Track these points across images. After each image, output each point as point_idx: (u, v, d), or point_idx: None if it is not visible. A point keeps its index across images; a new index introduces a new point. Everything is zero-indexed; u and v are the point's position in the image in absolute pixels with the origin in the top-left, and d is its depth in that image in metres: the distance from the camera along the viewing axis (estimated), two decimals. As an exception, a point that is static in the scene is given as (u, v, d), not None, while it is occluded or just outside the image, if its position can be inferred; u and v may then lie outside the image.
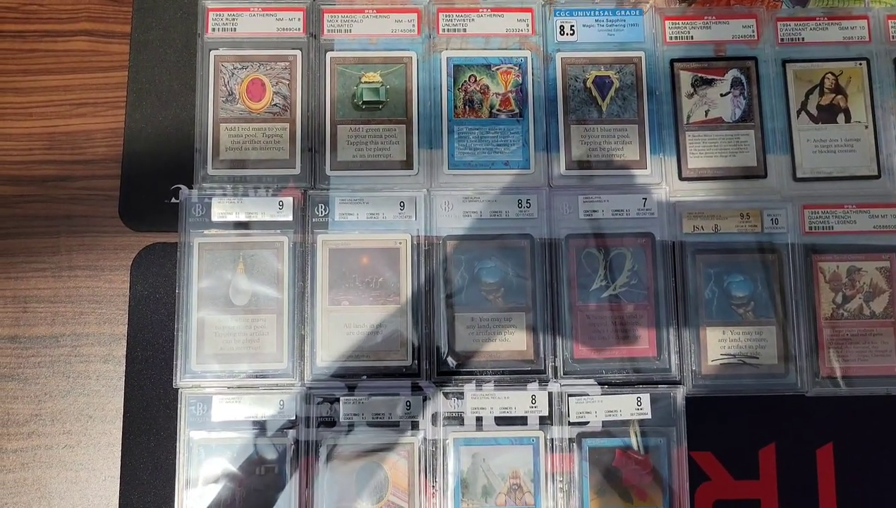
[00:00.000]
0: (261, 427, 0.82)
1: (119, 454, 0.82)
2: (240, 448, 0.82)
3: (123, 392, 0.83)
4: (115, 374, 0.84)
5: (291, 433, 0.82)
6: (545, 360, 0.84)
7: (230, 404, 0.83)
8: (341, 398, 0.83)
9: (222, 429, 0.82)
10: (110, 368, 0.84)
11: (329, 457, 0.82)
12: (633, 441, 0.83)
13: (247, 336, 0.84)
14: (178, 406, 0.82)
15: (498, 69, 0.89)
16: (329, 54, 0.88)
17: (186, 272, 0.84)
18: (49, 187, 0.87)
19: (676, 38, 0.90)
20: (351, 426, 0.83)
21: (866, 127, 0.89)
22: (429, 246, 0.85)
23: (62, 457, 0.83)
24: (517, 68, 0.89)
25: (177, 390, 0.82)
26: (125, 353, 0.84)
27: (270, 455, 0.82)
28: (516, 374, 0.84)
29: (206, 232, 0.85)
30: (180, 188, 0.86)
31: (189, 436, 0.82)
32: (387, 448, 0.83)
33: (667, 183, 0.87)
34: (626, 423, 0.83)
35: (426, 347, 0.84)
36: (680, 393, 0.84)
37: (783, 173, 0.88)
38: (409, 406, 0.83)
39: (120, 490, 0.82)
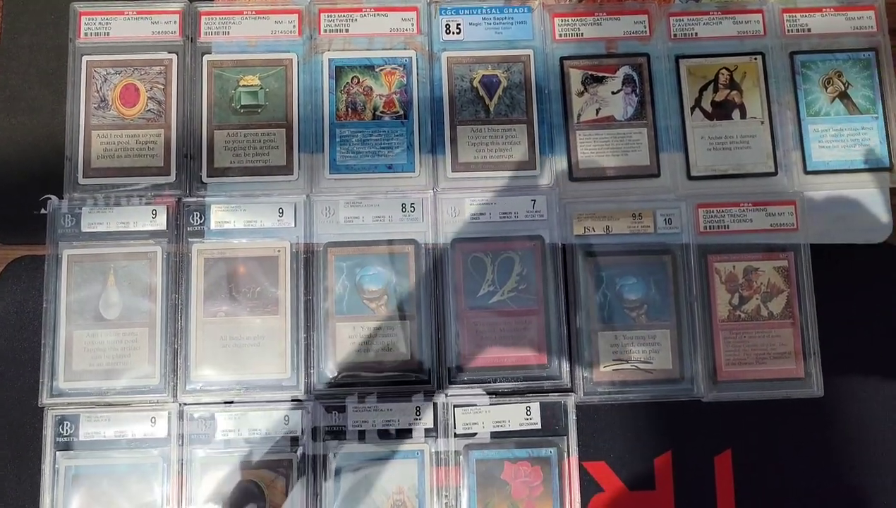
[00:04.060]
0: (132, 445, 0.79)
1: (-18, 477, 0.79)
2: (110, 468, 0.78)
3: (-12, 412, 0.80)
4: (-19, 394, 0.80)
5: (164, 451, 0.79)
6: (430, 370, 0.81)
7: (99, 422, 0.79)
8: (217, 414, 0.80)
9: (91, 449, 0.78)
10: (-25, 387, 0.80)
11: (204, 475, 0.79)
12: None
13: (118, 351, 0.80)
14: (44, 426, 0.78)
15: (382, 70, 0.86)
16: (206, 57, 0.85)
17: (55, 285, 0.81)
18: (-85, 200, 0.84)
19: (566, 35, 0.87)
20: (228, 443, 0.79)
21: (762, 123, 0.86)
22: (308, 253, 0.82)
23: (-77, 482, 0.79)
24: (402, 69, 0.86)
25: (43, 409, 0.79)
26: (-9, 371, 0.80)
27: (145, 474, 0.79)
28: (400, 385, 0.81)
29: (75, 243, 0.81)
30: (50, 198, 0.82)
31: (55, 458, 0.78)
32: (265, 465, 0.79)
33: (557, 184, 0.85)
34: (512, 434, 0.80)
35: (306, 358, 0.81)
36: (571, 401, 0.81)
37: (677, 172, 0.85)
38: (288, 420, 0.80)
39: (-17, 515, 0.78)
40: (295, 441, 0.79)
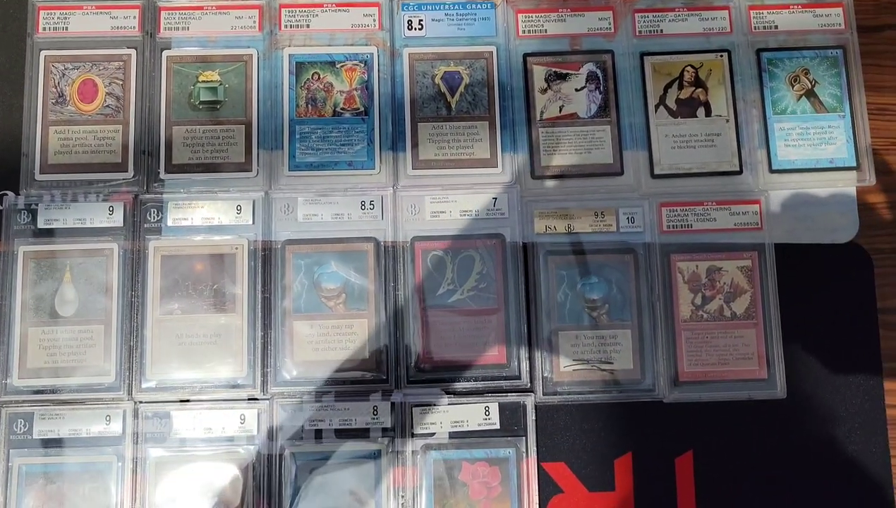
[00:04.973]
0: (86, 443, 0.78)
1: (-65, 476, 0.78)
2: (64, 467, 0.78)
3: (-58, 410, 0.79)
4: (-65, 391, 0.80)
5: (118, 450, 0.78)
6: (389, 369, 0.80)
7: (53, 420, 0.78)
8: (172, 412, 0.79)
9: (45, 448, 0.78)
10: (-72, 385, 0.80)
11: (159, 474, 0.78)
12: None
13: (73, 348, 0.80)
14: (-2, 424, 0.78)
15: (342, 66, 0.85)
16: (165, 53, 0.85)
17: (10, 282, 0.80)
18: None
19: (530, 31, 0.87)
20: (183, 441, 0.79)
21: (727, 121, 0.86)
22: (266, 251, 0.82)
23: None
24: (363, 65, 0.85)
25: (-4, 407, 0.78)
26: (-55, 369, 0.80)
27: (99, 473, 0.78)
28: (358, 384, 0.80)
29: (31, 239, 0.81)
30: (6, 194, 0.82)
31: (9, 456, 0.77)
32: (220, 464, 0.78)
33: (519, 182, 0.84)
34: (471, 434, 0.79)
35: (263, 357, 0.80)
36: (530, 402, 0.80)
37: (640, 170, 0.84)
38: (244, 419, 0.79)
39: (-65, 514, 0.77)
40: (251, 440, 0.79)
